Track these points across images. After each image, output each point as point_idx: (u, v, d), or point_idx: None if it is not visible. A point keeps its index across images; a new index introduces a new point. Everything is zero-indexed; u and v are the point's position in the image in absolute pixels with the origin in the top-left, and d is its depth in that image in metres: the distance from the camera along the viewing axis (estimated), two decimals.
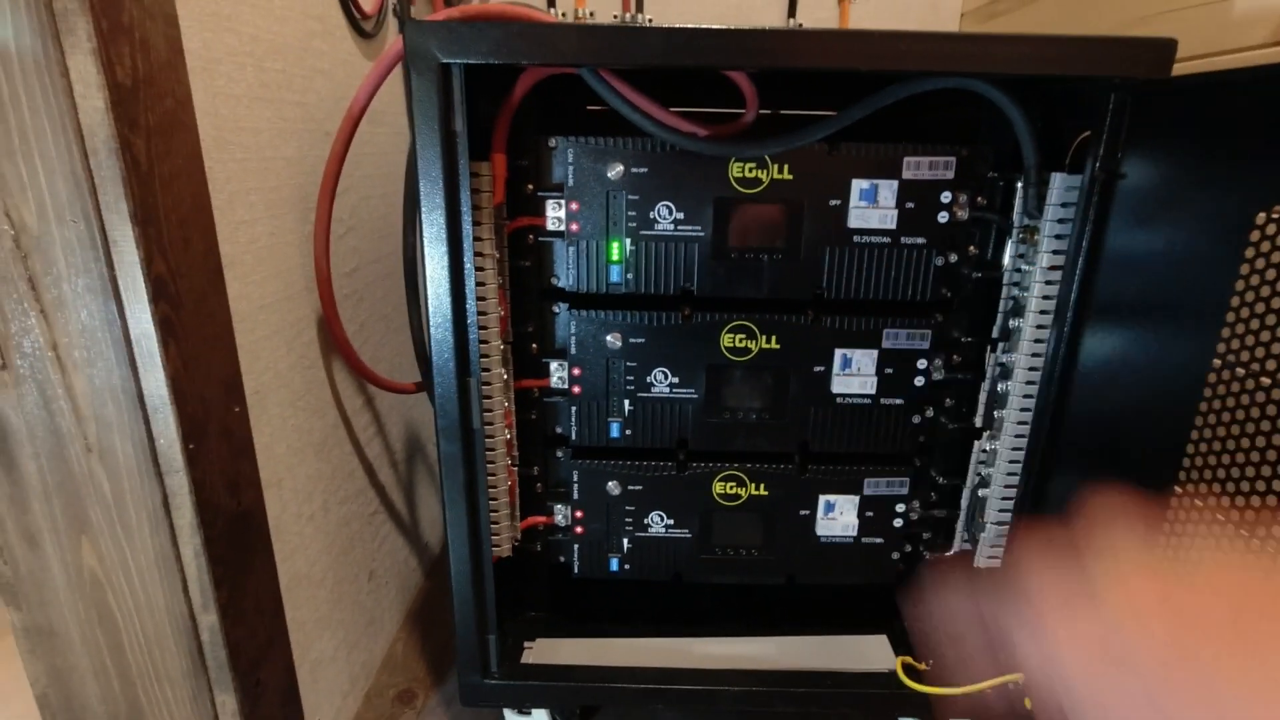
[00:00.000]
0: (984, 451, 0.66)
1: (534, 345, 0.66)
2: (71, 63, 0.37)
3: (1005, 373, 0.63)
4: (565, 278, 0.64)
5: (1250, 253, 0.40)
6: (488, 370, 0.59)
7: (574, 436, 0.68)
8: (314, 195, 0.62)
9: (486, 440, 0.60)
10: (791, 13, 1.07)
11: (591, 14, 1.06)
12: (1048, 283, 0.58)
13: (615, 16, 1.06)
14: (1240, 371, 0.40)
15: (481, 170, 0.55)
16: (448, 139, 0.51)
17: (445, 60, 0.48)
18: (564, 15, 1.05)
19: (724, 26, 0.49)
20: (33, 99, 0.38)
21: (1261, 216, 0.39)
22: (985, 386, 0.65)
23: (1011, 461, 0.63)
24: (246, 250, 0.54)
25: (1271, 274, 0.38)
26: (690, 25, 0.49)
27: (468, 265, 0.55)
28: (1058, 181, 0.56)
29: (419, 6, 0.87)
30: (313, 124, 0.63)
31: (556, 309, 0.65)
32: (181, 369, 0.44)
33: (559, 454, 0.69)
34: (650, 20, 1.06)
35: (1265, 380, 0.39)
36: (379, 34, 0.77)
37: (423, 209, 0.52)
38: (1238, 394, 0.40)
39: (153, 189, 0.41)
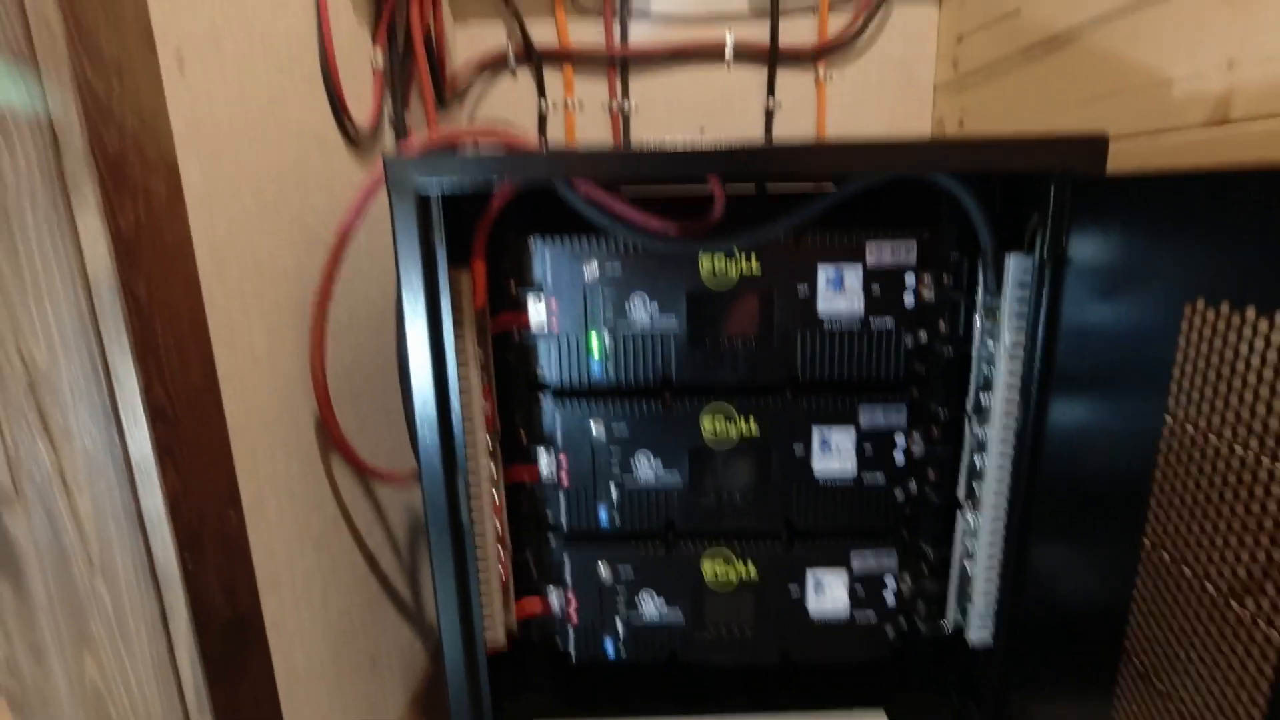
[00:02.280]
0: (968, 523, 0.66)
1: (523, 433, 0.69)
2: (79, 219, 0.41)
3: (981, 445, 0.64)
4: (549, 371, 0.67)
5: (1183, 340, 0.41)
6: (474, 464, 0.61)
7: (564, 523, 0.70)
8: (310, 302, 0.65)
9: (475, 535, 0.62)
10: (771, 90, 1.12)
11: (580, 103, 1.13)
12: (1012, 358, 0.60)
13: (603, 104, 1.12)
14: (1189, 428, 0.41)
15: (462, 278, 0.59)
16: (428, 256, 0.54)
17: (423, 193, 0.52)
18: (553, 105, 1.11)
19: (692, 143, 0.53)
20: (44, 251, 0.42)
21: (1189, 308, 0.41)
22: (964, 459, 0.66)
23: (993, 533, 0.63)
24: (244, 363, 0.57)
25: (1201, 363, 0.40)
26: (656, 144, 0.53)
27: (450, 371, 0.58)
28: (1014, 262, 0.58)
29: (413, 114, 0.93)
30: (310, 235, 0.68)
31: (542, 398, 0.68)
32: (179, 487, 0.47)
33: (551, 540, 0.71)
34: (635, 105, 1.13)
35: (1213, 438, 0.40)
36: (374, 142, 0.82)
37: (405, 320, 0.55)
38: (1189, 448, 0.41)
39: (152, 323, 0.45)
